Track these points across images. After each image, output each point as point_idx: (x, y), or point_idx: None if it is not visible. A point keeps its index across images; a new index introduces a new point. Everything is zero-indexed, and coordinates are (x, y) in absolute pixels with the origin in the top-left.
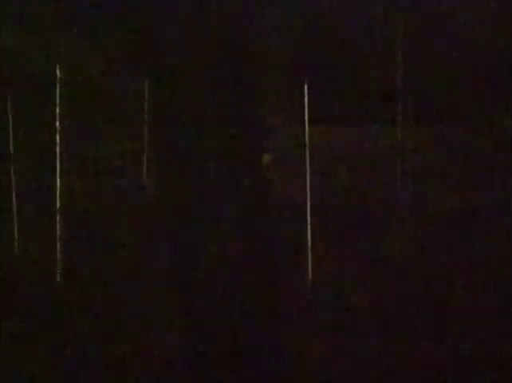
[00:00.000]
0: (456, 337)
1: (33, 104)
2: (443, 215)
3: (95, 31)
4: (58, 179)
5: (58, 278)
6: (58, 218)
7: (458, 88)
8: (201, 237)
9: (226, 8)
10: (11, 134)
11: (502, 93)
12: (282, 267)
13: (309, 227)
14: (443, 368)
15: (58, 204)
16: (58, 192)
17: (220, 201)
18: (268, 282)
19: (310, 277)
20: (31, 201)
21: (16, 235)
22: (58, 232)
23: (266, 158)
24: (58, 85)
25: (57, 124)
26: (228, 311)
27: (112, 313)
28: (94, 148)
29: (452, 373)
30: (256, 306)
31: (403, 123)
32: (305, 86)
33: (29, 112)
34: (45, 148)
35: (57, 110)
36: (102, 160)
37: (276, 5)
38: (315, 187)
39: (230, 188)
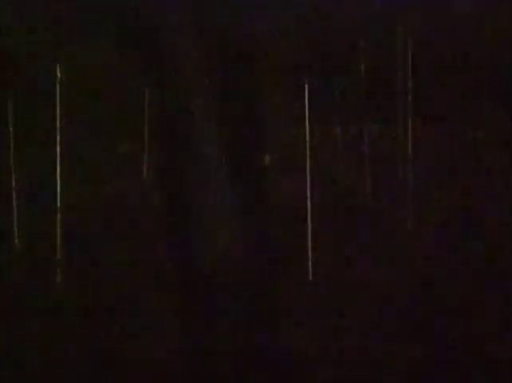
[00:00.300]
0: (457, 336)
1: (33, 104)
2: (443, 215)
3: (95, 31)
4: (58, 179)
5: (58, 278)
6: (58, 218)
7: (458, 87)
8: (201, 237)
9: (227, 8)
10: (11, 134)
11: (502, 93)
12: (282, 267)
13: (309, 227)
14: (443, 368)
15: (58, 204)
16: (58, 192)
17: (220, 201)
18: (268, 282)
19: (310, 277)
20: (31, 201)
21: (16, 235)
22: (58, 232)
23: (267, 158)
24: (58, 85)
25: (57, 124)
26: (228, 311)
27: (112, 313)
28: (94, 148)
29: (453, 373)
30: (256, 306)
31: (403, 123)
32: (305, 86)
33: (29, 112)
34: (45, 147)
35: (57, 110)
36: (102, 161)
37: (276, 6)
38: (315, 187)
39: (231, 188)
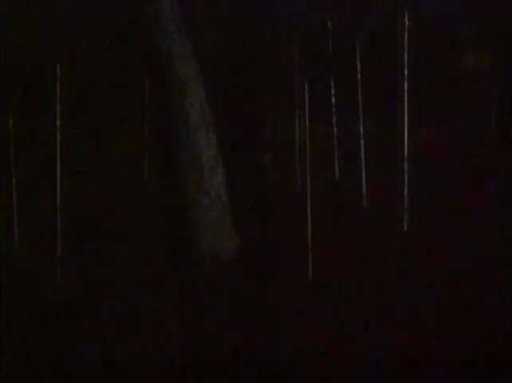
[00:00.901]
0: (456, 336)
1: (34, 104)
2: (443, 215)
3: (95, 31)
4: (58, 179)
5: (58, 278)
6: (58, 218)
7: (457, 88)
8: (201, 237)
9: (226, 10)
10: (11, 134)
11: (501, 93)
12: (282, 267)
13: (309, 227)
14: (443, 367)
15: (58, 204)
16: (58, 192)
17: (220, 200)
18: (268, 282)
19: (310, 277)
20: (31, 201)
21: (16, 235)
22: (58, 232)
23: (266, 157)
24: (58, 85)
25: (57, 124)
26: (228, 311)
27: (113, 313)
28: (94, 147)
29: (453, 373)
30: (256, 305)
31: (403, 123)
32: (306, 86)
33: (29, 111)
34: (45, 148)
35: (57, 110)
36: (102, 160)
37: (277, 7)
38: (315, 187)
39: (230, 188)
